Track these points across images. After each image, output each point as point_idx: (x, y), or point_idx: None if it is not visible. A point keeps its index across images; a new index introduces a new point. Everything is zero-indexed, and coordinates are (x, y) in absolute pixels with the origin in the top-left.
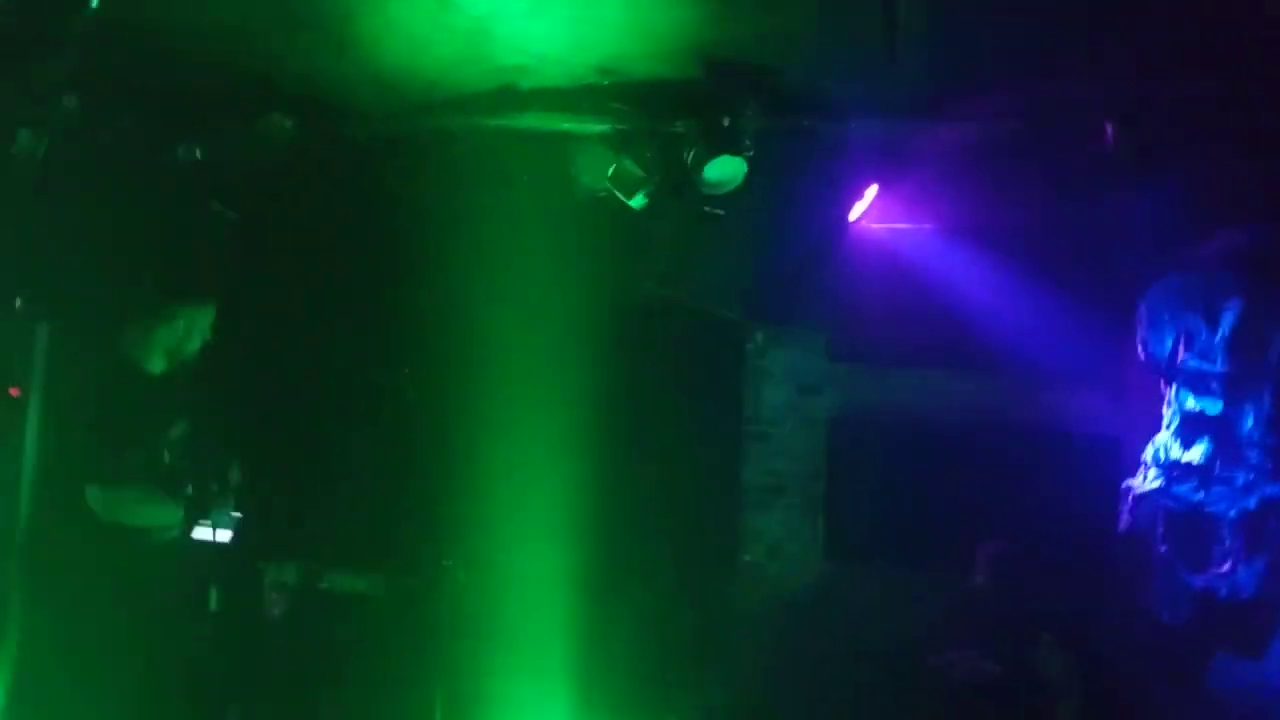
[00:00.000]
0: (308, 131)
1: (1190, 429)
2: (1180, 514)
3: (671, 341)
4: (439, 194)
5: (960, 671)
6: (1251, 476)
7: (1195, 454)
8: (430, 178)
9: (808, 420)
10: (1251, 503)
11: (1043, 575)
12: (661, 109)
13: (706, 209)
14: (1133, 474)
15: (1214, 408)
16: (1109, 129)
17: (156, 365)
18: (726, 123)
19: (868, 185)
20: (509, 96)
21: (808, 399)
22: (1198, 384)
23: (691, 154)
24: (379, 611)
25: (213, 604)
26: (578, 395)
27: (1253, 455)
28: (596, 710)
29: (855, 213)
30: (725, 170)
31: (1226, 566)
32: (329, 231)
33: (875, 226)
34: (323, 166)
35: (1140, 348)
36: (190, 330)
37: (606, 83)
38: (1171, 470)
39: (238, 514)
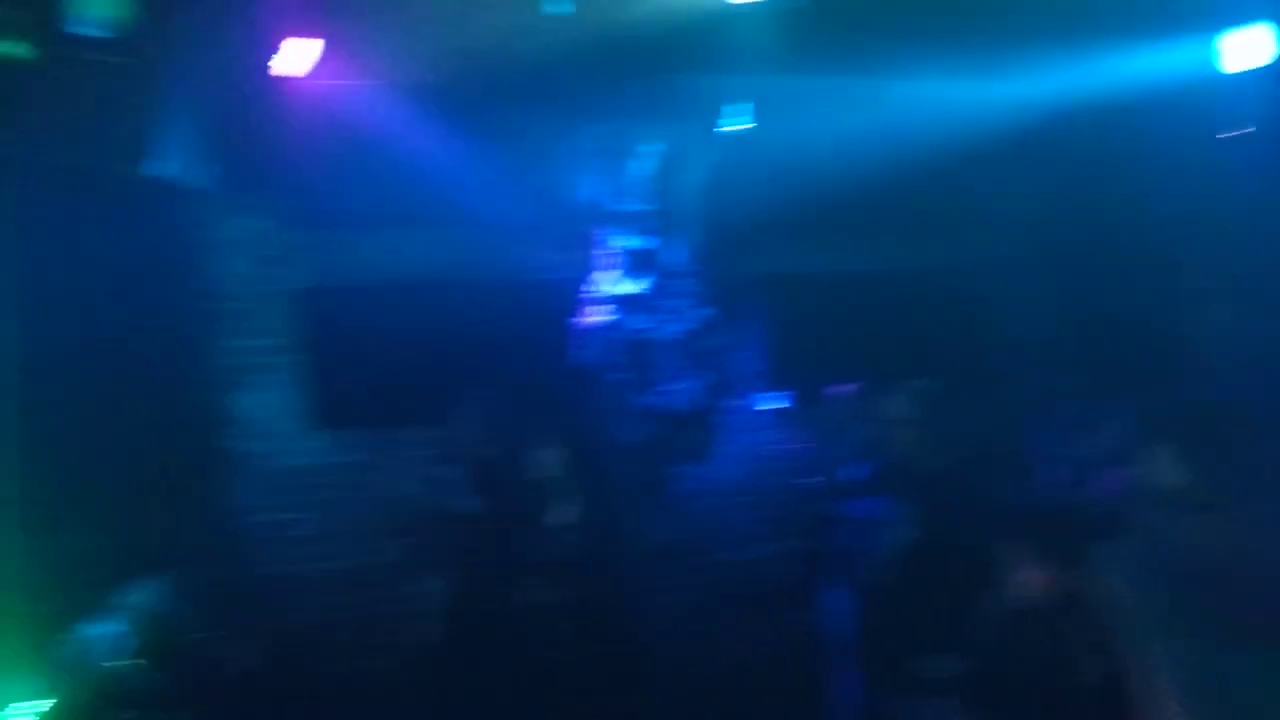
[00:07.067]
0: None
1: (630, 264)
2: (625, 342)
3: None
4: None
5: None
6: (686, 302)
7: (636, 287)
8: None
9: (271, 292)
10: (685, 326)
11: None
12: None
13: (98, 57)
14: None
15: (650, 243)
16: None
17: None
18: None
19: (294, 35)
20: None
21: (269, 269)
22: (632, 224)
23: None
24: None
25: None
26: None
27: (684, 284)
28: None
29: (293, 66)
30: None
31: (668, 385)
32: None
33: (317, 83)
34: None
35: (575, 195)
36: None
37: None
38: (616, 304)
39: None
